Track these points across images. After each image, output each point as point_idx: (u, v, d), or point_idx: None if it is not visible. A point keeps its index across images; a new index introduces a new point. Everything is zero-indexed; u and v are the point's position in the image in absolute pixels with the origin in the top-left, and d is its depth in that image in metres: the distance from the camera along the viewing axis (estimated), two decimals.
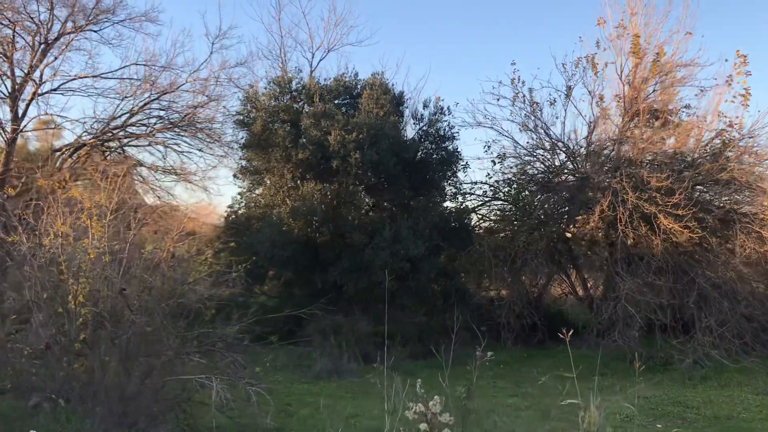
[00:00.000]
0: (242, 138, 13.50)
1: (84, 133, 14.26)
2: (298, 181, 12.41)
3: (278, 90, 13.14)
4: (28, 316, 5.79)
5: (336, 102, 13.18)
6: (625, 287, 11.81)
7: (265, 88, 13.56)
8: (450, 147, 13.93)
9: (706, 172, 12.32)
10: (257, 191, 14.12)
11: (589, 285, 16.11)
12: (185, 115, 13.24)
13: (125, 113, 14.20)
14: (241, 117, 13.27)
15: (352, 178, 12.31)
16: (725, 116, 13.22)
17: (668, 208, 11.66)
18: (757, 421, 7.28)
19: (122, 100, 14.47)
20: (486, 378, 10.46)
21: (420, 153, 13.62)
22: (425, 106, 13.97)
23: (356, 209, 12.22)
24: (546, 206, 15.15)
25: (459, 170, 14.48)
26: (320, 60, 15.47)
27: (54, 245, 6.04)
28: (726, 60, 13.27)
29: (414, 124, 13.84)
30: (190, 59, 19.66)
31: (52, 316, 5.68)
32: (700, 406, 8.05)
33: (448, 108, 14.01)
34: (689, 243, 12.15)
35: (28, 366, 5.40)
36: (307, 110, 12.73)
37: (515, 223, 16.21)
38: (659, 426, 6.99)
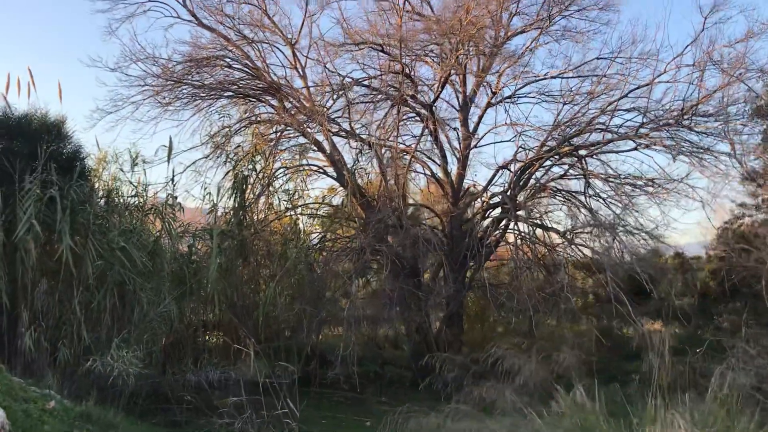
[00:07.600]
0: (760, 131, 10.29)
1: (528, 145, 12.78)
2: None
3: None
4: None
5: None
6: None
7: None
8: None
9: None
10: None
11: None
12: (685, 109, 10.49)
13: (584, 116, 12.31)
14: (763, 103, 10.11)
15: None
16: None
17: None
18: None
19: (564, 104, 12.71)
20: None
21: None
22: None
23: None
24: None
25: None
26: None
27: None
28: None
29: None
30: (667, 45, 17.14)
31: None
32: None
33: None
34: None
35: None
36: None
37: None
38: None
